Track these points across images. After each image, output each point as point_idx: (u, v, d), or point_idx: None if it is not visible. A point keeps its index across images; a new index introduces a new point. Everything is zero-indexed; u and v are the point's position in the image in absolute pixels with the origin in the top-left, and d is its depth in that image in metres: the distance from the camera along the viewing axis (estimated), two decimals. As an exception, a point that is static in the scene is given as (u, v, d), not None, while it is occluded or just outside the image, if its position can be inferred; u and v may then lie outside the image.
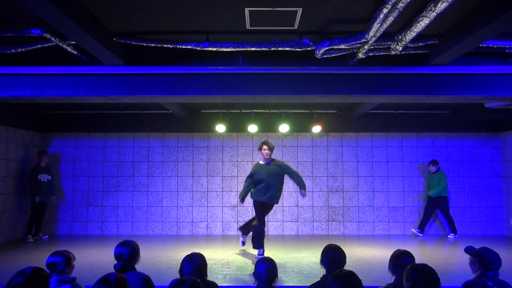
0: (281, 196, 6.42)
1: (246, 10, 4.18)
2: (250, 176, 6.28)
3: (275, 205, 6.43)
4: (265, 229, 6.37)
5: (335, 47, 4.87)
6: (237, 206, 8.66)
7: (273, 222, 8.59)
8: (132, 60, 5.36)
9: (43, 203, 8.00)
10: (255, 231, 6.15)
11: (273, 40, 4.85)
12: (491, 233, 8.56)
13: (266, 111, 8.53)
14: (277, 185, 6.19)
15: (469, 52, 5.05)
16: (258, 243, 6.13)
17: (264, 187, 6.11)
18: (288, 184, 8.65)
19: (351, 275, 2.39)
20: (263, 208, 6.20)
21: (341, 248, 3.20)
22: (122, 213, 8.62)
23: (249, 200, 6.51)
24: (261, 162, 6.35)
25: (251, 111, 8.40)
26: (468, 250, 3.13)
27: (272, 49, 4.89)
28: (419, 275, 2.35)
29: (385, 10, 3.80)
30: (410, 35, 4.39)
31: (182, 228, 8.64)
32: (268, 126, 8.66)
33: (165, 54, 5.36)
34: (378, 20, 4.01)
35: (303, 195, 6.20)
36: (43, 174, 7.97)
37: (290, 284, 4.82)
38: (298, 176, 6.31)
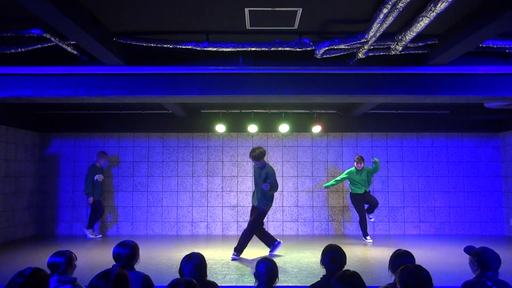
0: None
1: (246, 10, 4.18)
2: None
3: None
4: (265, 228, 6.45)
5: (335, 47, 4.87)
6: (237, 206, 8.66)
7: (273, 222, 8.59)
8: (132, 60, 5.36)
9: (100, 202, 8.14)
10: None
11: (273, 40, 4.84)
12: (491, 233, 8.57)
13: (266, 111, 8.53)
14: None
15: (469, 52, 5.05)
16: None
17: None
18: (288, 184, 8.67)
19: (355, 276, 2.39)
20: None
21: (341, 248, 3.20)
22: (122, 213, 8.62)
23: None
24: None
25: (251, 111, 8.40)
26: (468, 250, 3.13)
27: (272, 49, 4.89)
28: (410, 277, 2.35)
29: (385, 10, 3.80)
30: (410, 35, 4.39)
31: (182, 228, 8.64)
32: (268, 126, 8.66)
33: (165, 54, 5.36)
34: (378, 20, 4.01)
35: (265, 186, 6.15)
36: (100, 174, 8.15)
37: (290, 284, 4.82)
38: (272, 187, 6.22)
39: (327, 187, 7.96)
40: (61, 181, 8.67)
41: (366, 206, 7.71)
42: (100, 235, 8.22)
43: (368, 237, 7.64)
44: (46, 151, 8.74)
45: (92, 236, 8.01)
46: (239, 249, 6.17)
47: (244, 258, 6.14)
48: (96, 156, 8.30)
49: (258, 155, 6.21)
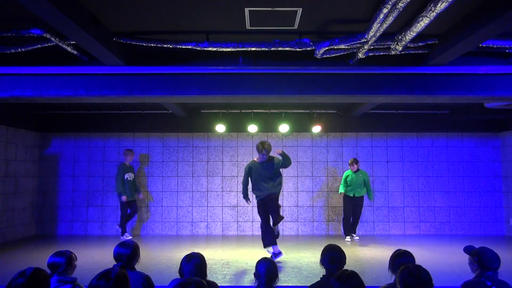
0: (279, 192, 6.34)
1: (246, 10, 4.18)
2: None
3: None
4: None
5: (335, 47, 4.88)
6: (237, 206, 8.66)
7: (273, 222, 8.59)
8: (132, 60, 5.36)
9: (132, 202, 8.01)
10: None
11: (273, 40, 4.85)
12: (491, 233, 8.57)
13: (266, 111, 8.54)
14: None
15: (469, 52, 5.05)
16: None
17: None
18: (288, 184, 8.67)
19: (354, 276, 2.39)
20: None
21: (341, 248, 3.20)
22: (122, 213, 8.61)
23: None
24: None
25: (251, 111, 8.40)
26: (467, 250, 3.13)
27: (272, 49, 4.89)
28: (411, 277, 2.35)
29: (385, 10, 3.80)
30: (410, 35, 4.39)
31: (182, 228, 8.64)
32: (268, 126, 8.67)
33: (165, 54, 5.36)
34: (378, 20, 4.01)
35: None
36: (129, 173, 8.02)
37: (290, 284, 4.83)
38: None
39: (342, 192, 7.93)
40: (61, 181, 8.67)
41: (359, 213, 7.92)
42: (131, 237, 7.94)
43: (347, 238, 7.80)
44: (46, 151, 8.74)
45: (130, 237, 7.88)
46: (275, 237, 6.01)
47: (244, 258, 6.14)
48: (123, 155, 8.24)
49: (270, 147, 6.11)
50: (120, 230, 7.98)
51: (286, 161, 6.02)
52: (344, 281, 2.33)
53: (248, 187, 6.27)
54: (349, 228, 7.87)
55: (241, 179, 8.54)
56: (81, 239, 7.97)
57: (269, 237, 5.96)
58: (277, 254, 5.81)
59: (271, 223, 6.09)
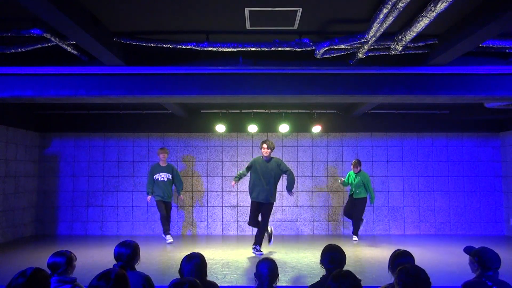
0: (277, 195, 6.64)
1: (246, 10, 4.18)
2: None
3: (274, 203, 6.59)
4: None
5: (335, 47, 4.87)
6: (237, 206, 8.66)
7: (273, 222, 8.58)
8: (132, 60, 5.36)
9: (165, 204, 7.63)
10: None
11: (273, 40, 4.84)
12: (491, 233, 8.57)
13: (266, 111, 8.53)
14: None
15: (469, 52, 5.05)
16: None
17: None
18: (288, 184, 8.66)
19: (350, 275, 2.39)
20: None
21: (341, 248, 3.20)
22: (122, 213, 8.62)
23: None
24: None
25: (251, 111, 8.40)
26: (468, 250, 3.13)
27: (272, 49, 4.89)
28: (409, 277, 2.35)
29: (385, 10, 3.80)
30: (410, 35, 4.39)
31: (182, 228, 8.64)
32: (268, 126, 8.67)
33: (165, 54, 5.36)
34: (378, 20, 4.01)
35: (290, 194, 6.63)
36: (161, 173, 7.73)
37: (290, 284, 4.83)
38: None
39: (342, 180, 8.01)
40: (61, 181, 8.67)
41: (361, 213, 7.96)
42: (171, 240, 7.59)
43: (355, 237, 7.87)
44: (46, 151, 8.74)
45: (170, 241, 7.50)
46: (259, 243, 6.32)
47: (244, 258, 6.14)
48: (157, 154, 7.95)
49: (270, 144, 6.43)
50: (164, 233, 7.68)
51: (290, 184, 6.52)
52: (341, 280, 2.33)
53: (245, 183, 6.60)
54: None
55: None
56: (81, 239, 7.97)
57: (261, 237, 6.39)
58: (258, 251, 6.28)
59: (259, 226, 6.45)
